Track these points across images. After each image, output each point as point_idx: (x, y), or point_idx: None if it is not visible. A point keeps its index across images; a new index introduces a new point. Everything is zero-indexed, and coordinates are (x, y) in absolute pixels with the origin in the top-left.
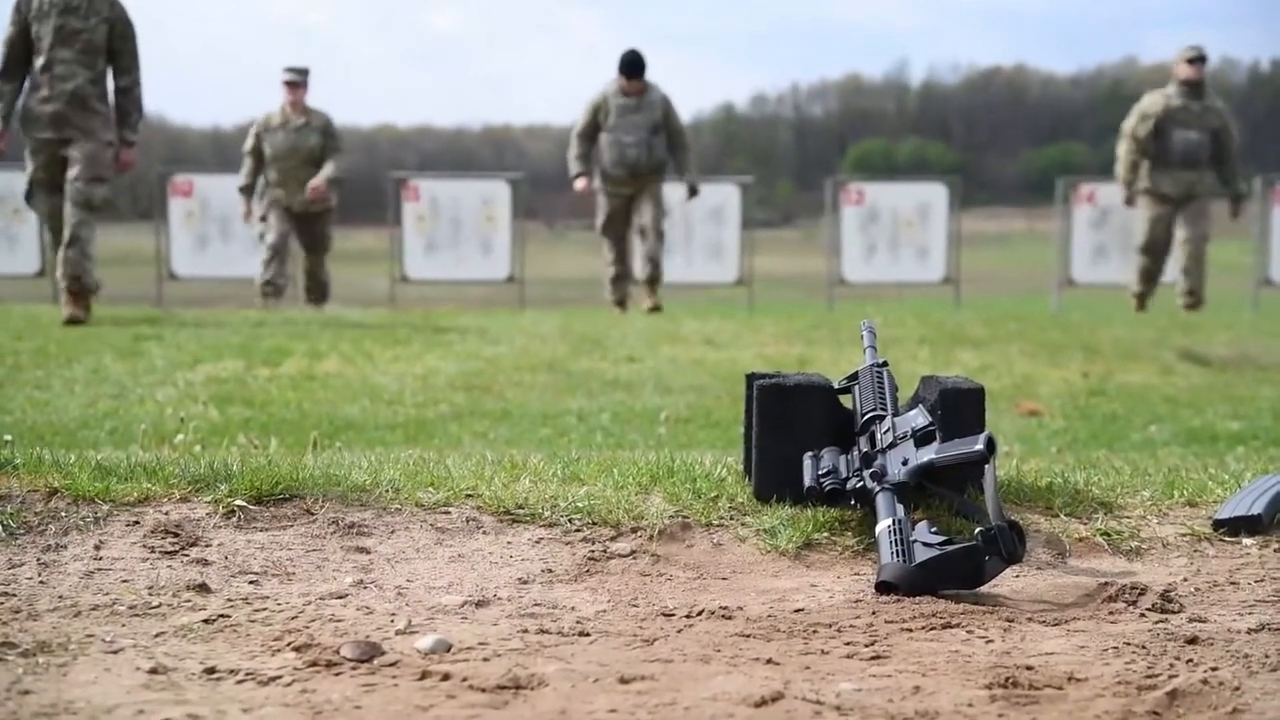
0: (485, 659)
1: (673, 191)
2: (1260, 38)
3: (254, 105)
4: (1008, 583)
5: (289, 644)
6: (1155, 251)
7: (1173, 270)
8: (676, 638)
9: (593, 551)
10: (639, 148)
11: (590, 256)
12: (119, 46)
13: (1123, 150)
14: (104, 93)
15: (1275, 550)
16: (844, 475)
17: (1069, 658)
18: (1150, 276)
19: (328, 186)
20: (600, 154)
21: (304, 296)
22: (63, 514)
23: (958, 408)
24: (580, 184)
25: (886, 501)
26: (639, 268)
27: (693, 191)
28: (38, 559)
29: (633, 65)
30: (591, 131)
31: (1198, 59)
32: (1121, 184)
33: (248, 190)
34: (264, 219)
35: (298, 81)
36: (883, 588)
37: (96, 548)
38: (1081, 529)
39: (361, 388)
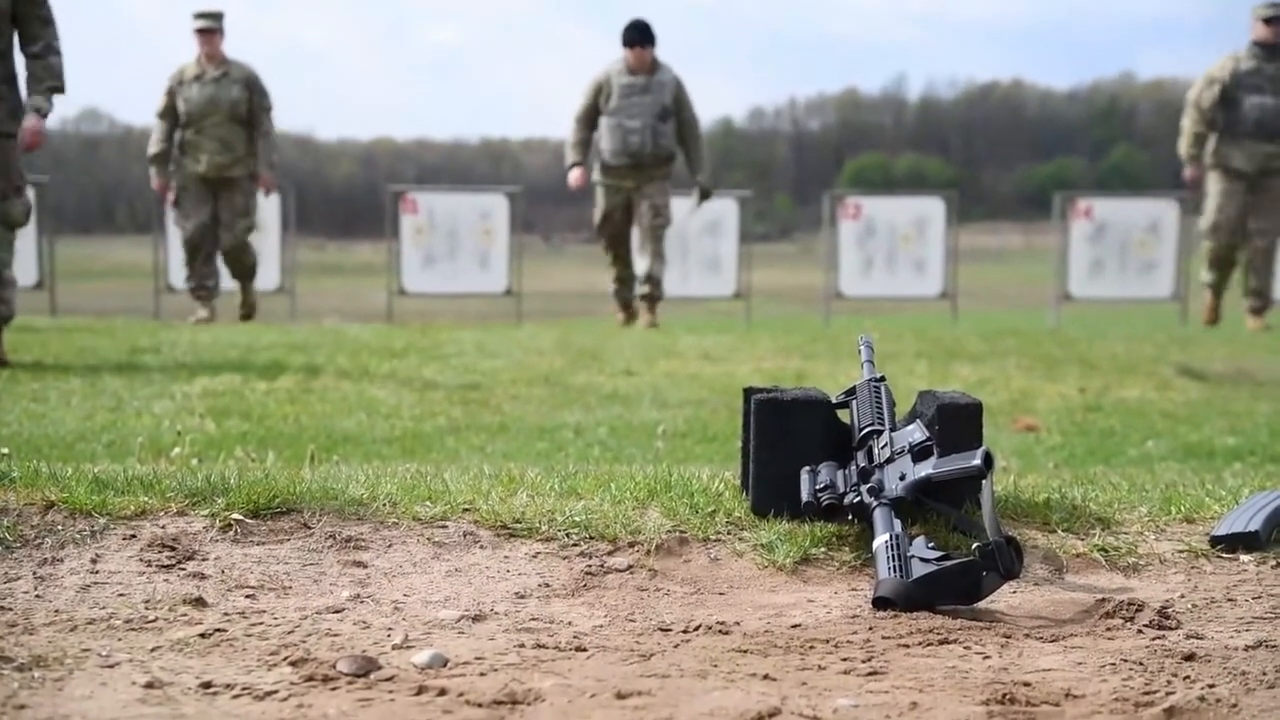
0: (482, 674)
1: (678, 206)
2: None
3: None
4: (1005, 598)
5: (285, 658)
6: (1224, 230)
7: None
8: (673, 653)
9: (590, 566)
10: (643, 134)
11: (587, 270)
12: (25, 11)
13: (1186, 121)
14: (12, 76)
15: (1273, 567)
16: (841, 490)
17: (1066, 674)
18: (1222, 265)
19: (271, 172)
20: (600, 141)
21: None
22: (59, 527)
23: (955, 423)
24: (575, 175)
25: (884, 517)
26: (637, 285)
27: (704, 195)
28: (34, 572)
29: (639, 32)
30: (591, 115)
31: (1275, 18)
32: (1184, 158)
33: (160, 159)
34: (177, 204)
35: (212, 28)
36: (880, 603)
37: (93, 561)
38: (1079, 545)
39: (358, 401)
